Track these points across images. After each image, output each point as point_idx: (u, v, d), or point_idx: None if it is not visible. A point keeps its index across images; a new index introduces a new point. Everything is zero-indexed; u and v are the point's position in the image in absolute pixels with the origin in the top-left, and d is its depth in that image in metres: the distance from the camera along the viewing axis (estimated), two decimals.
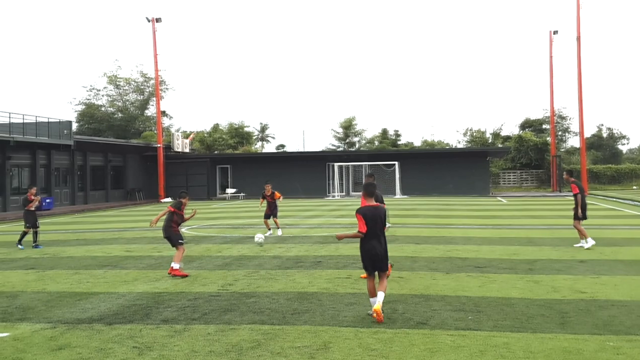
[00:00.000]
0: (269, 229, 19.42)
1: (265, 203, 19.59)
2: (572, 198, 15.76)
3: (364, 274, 13.48)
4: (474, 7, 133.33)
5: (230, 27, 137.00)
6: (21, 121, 35.48)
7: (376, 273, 8.52)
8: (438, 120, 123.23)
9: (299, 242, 17.12)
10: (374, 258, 8.38)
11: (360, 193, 14.81)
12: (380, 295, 8.27)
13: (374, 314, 8.09)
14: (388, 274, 13.02)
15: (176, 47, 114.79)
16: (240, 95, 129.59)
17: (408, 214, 28.00)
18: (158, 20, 49.37)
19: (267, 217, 19.52)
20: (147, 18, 49.30)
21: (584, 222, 15.50)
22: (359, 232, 8.35)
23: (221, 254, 15.00)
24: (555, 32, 52.85)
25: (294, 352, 6.82)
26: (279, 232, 19.30)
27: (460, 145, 70.82)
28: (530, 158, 59.34)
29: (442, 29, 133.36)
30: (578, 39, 47.30)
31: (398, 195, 46.79)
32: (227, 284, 11.03)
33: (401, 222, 23.78)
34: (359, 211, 8.43)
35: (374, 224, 8.37)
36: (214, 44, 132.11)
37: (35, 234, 17.86)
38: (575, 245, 15.32)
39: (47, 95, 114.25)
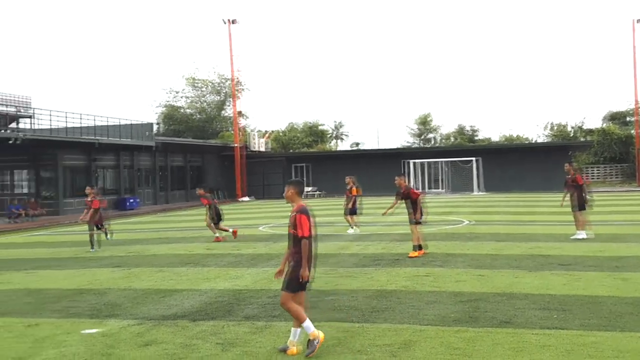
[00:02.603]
0: (351, 227, 19.25)
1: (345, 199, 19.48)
2: None
3: (412, 253, 13.46)
4: None
5: (304, 26, 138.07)
6: (106, 124, 37.04)
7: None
8: (517, 115, 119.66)
9: (376, 240, 17.01)
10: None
11: (417, 191, 14.37)
12: (299, 332, 6.83)
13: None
14: (420, 254, 13.21)
15: (251, 48, 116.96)
16: (315, 93, 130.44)
17: (487, 211, 27.34)
18: (234, 21, 50.36)
19: (347, 213, 19.39)
20: (223, 20, 50.41)
21: None
22: (303, 237, 6.81)
23: None
24: (639, 21, 50.25)
25: (375, 350, 6.74)
26: (350, 231, 19.06)
27: (540, 140, 68.50)
28: (615, 152, 56.65)
29: (520, 20, 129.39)
30: None
31: (476, 192, 45.81)
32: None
33: (480, 219, 23.21)
34: (302, 211, 6.91)
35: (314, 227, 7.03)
36: (289, 43, 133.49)
37: (105, 232, 18.61)
38: None
39: (131, 99, 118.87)
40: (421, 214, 13.83)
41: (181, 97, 71.34)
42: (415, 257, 13.32)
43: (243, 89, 69.78)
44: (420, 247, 13.64)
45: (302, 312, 6.78)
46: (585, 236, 15.73)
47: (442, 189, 49.57)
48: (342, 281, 10.96)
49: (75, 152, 36.15)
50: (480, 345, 6.78)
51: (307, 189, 50.93)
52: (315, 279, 11.09)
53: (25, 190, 35.65)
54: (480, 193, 45.36)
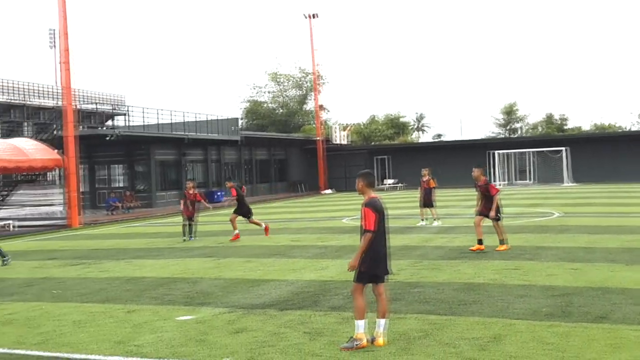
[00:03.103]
0: (422, 219, 19.07)
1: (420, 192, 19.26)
2: None
3: (474, 247, 13.11)
4: None
5: (384, 17, 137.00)
6: (194, 120, 38.29)
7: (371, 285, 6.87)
8: (609, 103, 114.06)
9: (462, 233, 16.74)
10: (381, 260, 6.83)
11: (496, 186, 13.87)
12: (384, 323, 6.75)
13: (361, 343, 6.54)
14: (480, 249, 12.65)
15: (332, 41, 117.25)
16: (396, 85, 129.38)
17: (579, 203, 26.29)
18: (314, 16, 50.73)
19: (422, 205, 19.17)
20: (304, 15, 50.87)
21: None
22: (366, 231, 6.66)
23: None
24: None
25: (463, 343, 6.67)
26: (436, 223, 18.84)
27: (635, 129, 64.96)
28: None
29: (608, 2, 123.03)
30: None
31: (567, 183, 44.09)
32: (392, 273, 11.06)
33: (572, 211, 22.36)
34: (369, 204, 6.77)
35: (383, 220, 6.83)
36: (370, 35, 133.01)
37: (190, 227, 18.49)
38: None
39: (217, 95, 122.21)
40: (497, 212, 13.22)
41: (265, 92, 72.70)
42: (477, 250, 13.01)
43: (324, 83, 70.23)
44: (480, 242, 13.16)
45: (363, 310, 6.64)
46: None
47: (530, 180, 48.02)
48: (427, 273, 10.88)
49: (166, 147, 37.60)
50: (574, 341, 6.57)
51: (388, 181, 50.70)
52: (400, 271, 11.13)
53: (121, 184, 37.45)
54: (571, 184, 43.61)
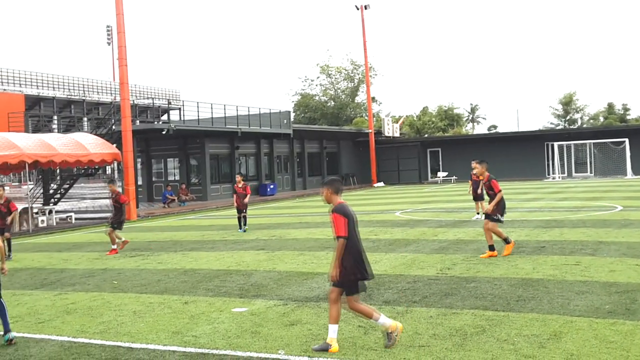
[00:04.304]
0: (477, 213, 18.68)
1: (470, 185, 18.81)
2: None
3: (493, 253, 11.46)
4: None
5: (436, 8, 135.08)
6: (247, 113, 38.68)
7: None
8: None
9: (518, 227, 16.37)
10: (365, 262, 6.58)
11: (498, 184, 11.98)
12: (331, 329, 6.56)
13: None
14: (492, 255, 11.22)
15: (384, 32, 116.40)
16: (449, 76, 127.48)
17: None
18: (366, 7, 50.41)
19: (475, 199, 18.75)
20: (356, 6, 50.60)
21: None
22: (339, 237, 6.46)
23: (437, 238, 14.91)
24: None
25: (521, 340, 6.52)
26: (474, 217, 18.36)
27: None
28: None
29: None
30: None
31: (629, 176, 42.60)
32: (446, 267, 10.93)
33: (635, 204, 21.57)
34: (336, 210, 6.61)
35: (354, 225, 6.66)
36: (422, 25, 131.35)
37: (244, 218, 19.02)
38: None
39: (270, 89, 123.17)
40: (502, 212, 11.90)
41: (315, 85, 72.89)
42: (486, 257, 11.65)
43: (376, 75, 69.95)
44: (493, 248, 11.75)
45: (338, 314, 6.53)
46: None
47: (590, 172, 46.59)
48: (483, 268, 10.69)
49: (219, 140, 38.12)
50: (637, 340, 6.33)
51: (441, 174, 50.07)
52: (454, 266, 10.97)
53: (176, 178, 38.21)
54: (633, 176, 42.10)
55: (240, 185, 19.17)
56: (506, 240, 11.88)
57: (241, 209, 18.92)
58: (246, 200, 19.00)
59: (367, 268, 6.59)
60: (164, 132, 32.18)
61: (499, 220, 11.85)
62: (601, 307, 7.65)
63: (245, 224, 18.94)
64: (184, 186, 34.99)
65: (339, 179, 7.10)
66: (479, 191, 17.78)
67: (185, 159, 37.92)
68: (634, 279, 9.16)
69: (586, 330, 6.75)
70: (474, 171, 18.72)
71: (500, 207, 11.86)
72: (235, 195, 19.27)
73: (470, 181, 19.27)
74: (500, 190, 11.88)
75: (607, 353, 5.98)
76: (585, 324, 6.97)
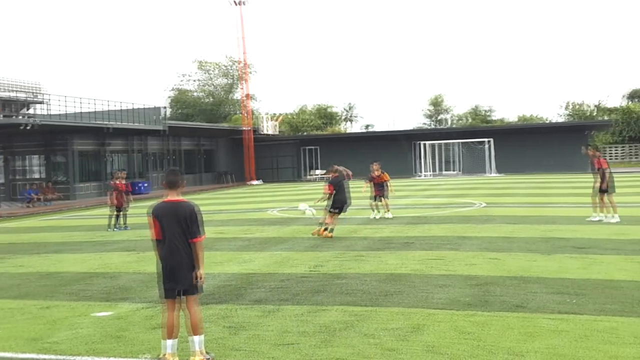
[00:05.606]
0: (374, 211, 18.86)
1: (370, 186, 18.99)
2: None
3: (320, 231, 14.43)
4: None
5: (314, 6, 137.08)
6: (119, 109, 37.13)
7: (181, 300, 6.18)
8: (535, 95, 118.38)
9: (388, 223, 16.94)
10: (173, 272, 6.10)
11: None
12: (196, 340, 5.99)
13: None
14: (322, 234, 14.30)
15: (261, 29, 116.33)
16: (325, 75, 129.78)
17: (502, 193, 27.15)
18: (242, 3, 50.01)
19: (374, 198, 18.92)
20: (233, 1, 50.01)
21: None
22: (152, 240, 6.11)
23: (310, 236, 15.06)
24: None
25: (385, 334, 6.71)
26: (389, 215, 18.62)
27: (560, 120, 67.79)
28: (636, 131, 55.93)
29: None
30: None
31: (490, 174, 45.52)
32: (317, 265, 11.05)
33: (494, 201, 23.06)
34: (150, 212, 6.12)
35: (171, 227, 6.04)
36: (299, 24, 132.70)
37: (124, 216, 18.91)
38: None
39: (143, 84, 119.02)
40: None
41: (193, 81, 71.42)
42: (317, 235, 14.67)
43: (255, 72, 69.73)
44: (326, 228, 14.67)
45: (169, 328, 6.01)
46: (618, 220, 15.26)
47: (455, 170, 49.28)
48: (353, 264, 10.92)
49: (86, 137, 36.29)
50: (491, 330, 6.72)
51: (317, 172, 50.87)
52: (326, 262, 11.13)
53: (38, 176, 35.92)
54: (494, 175, 45.05)
55: (123, 182, 19.24)
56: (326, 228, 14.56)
57: (120, 207, 18.80)
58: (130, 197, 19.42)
59: (182, 275, 6.08)
60: (23, 127, 30.00)
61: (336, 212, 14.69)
62: (460, 300, 8.06)
63: (124, 222, 18.83)
64: (49, 184, 32.96)
65: (175, 170, 6.33)
66: (385, 191, 19.00)
67: (48, 155, 35.75)
68: (491, 272, 9.75)
69: (446, 322, 7.07)
70: (375, 173, 19.01)
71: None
72: (115, 192, 18.87)
73: (368, 181, 19.33)
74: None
75: (464, 343, 6.29)
76: (444, 316, 7.30)
